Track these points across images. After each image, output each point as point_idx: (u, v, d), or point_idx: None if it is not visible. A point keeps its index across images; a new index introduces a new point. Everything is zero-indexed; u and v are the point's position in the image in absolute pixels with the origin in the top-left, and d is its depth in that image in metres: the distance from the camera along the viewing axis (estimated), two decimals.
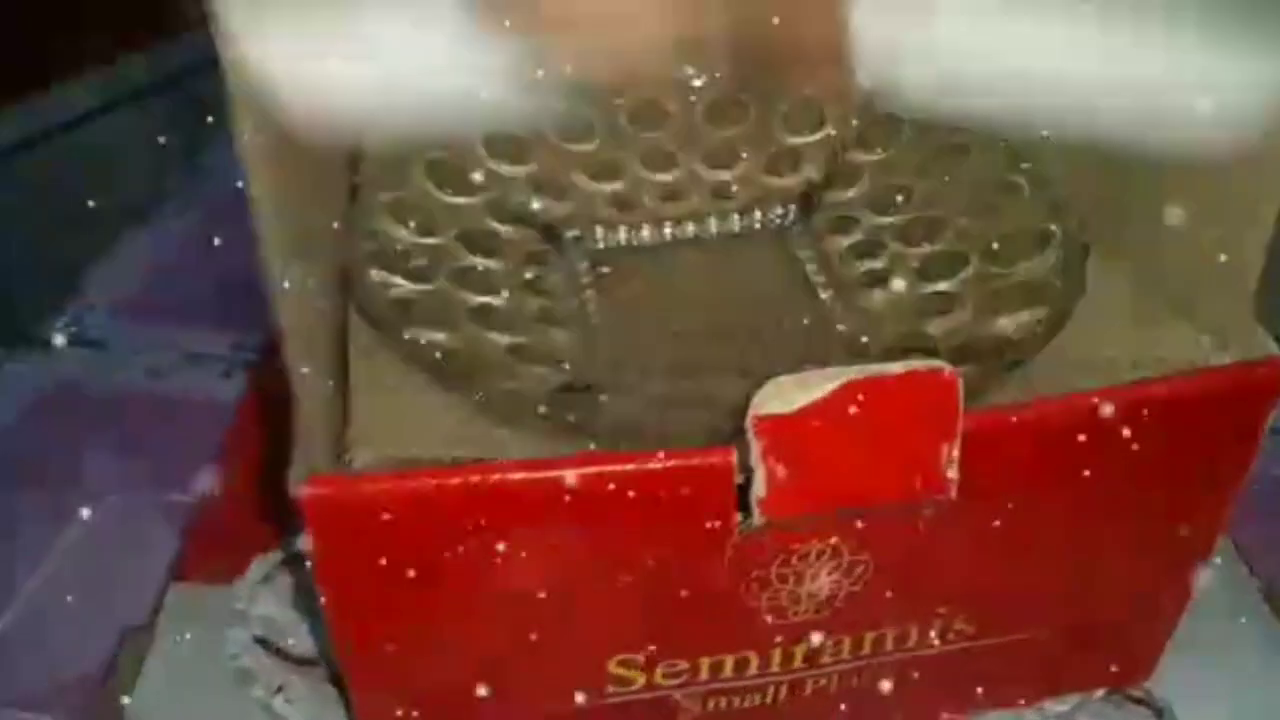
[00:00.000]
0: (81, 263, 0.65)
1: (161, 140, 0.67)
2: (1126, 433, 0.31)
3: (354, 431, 0.31)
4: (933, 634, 0.35)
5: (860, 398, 0.28)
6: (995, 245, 0.39)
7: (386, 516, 0.28)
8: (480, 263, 0.40)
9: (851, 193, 0.45)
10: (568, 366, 0.36)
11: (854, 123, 0.46)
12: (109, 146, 0.72)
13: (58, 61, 0.72)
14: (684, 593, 0.31)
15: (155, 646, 0.43)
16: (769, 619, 0.33)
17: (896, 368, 0.28)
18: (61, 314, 0.63)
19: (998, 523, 0.31)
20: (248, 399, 0.57)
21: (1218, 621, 0.41)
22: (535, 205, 0.44)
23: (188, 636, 0.43)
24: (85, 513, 0.49)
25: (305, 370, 0.32)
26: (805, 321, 0.40)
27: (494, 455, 0.30)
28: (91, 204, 0.60)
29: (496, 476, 0.29)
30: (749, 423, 0.28)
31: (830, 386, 0.27)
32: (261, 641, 0.43)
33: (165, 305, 0.63)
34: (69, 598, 0.48)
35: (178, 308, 0.62)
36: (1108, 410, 0.30)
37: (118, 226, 0.68)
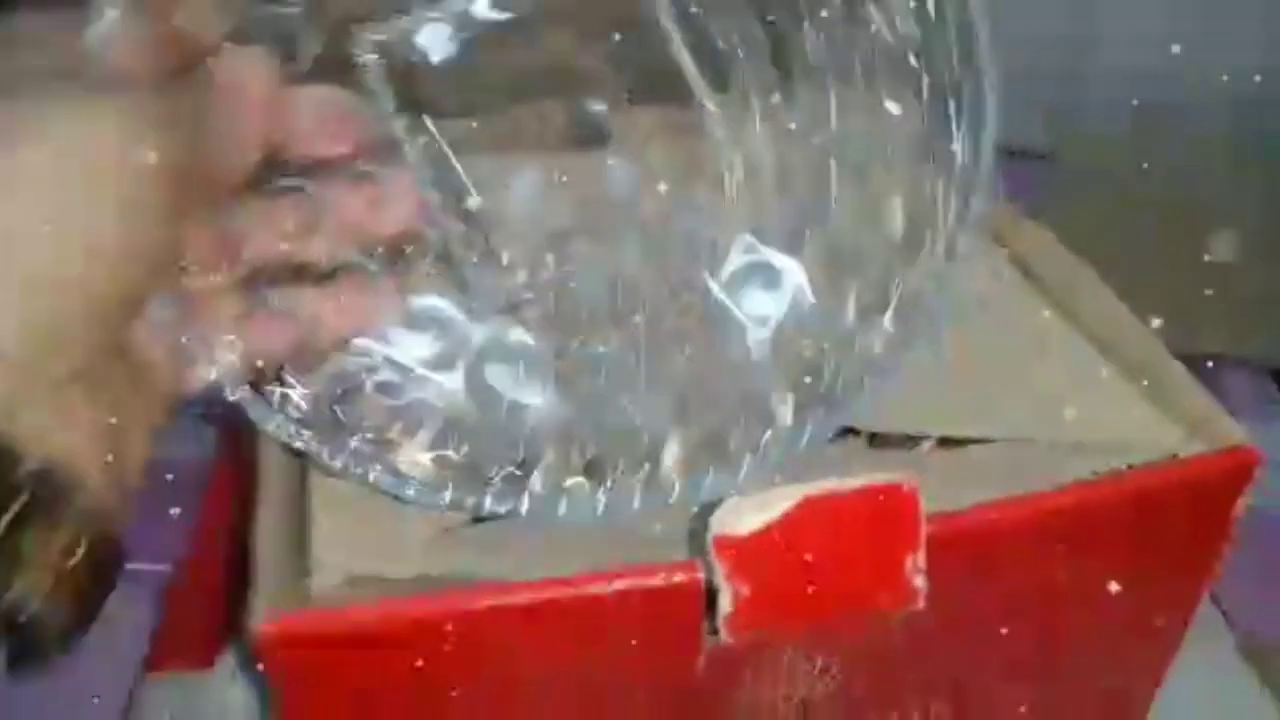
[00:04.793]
0: None
1: None
2: (1095, 527, 0.31)
3: (315, 550, 0.31)
4: None
5: (818, 514, 0.27)
6: None
7: (347, 650, 0.28)
8: None
9: None
10: None
11: None
12: None
13: None
14: (660, 701, 0.31)
15: None
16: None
17: (853, 483, 0.27)
18: None
19: (968, 621, 0.31)
20: (220, 460, 0.54)
21: (1197, 682, 0.40)
22: None
23: None
24: None
25: (268, 495, 0.32)
26: None
27: (463, 568, 0.30)
28: None
29: (463, 604, 0.28)
30: (709, 543, 0.27)
31: (786, 504, 0.27)
32: None
33: None
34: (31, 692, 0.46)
35: None
36: (1076, 507, 0.30)
37: None
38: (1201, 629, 0.36)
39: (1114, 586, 0.32)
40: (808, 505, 0.27)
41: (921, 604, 0.29)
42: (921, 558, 0.28)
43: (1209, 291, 0.55)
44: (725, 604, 0.28)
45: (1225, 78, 0.60)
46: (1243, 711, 0.41)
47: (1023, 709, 0.36)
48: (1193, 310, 0.50)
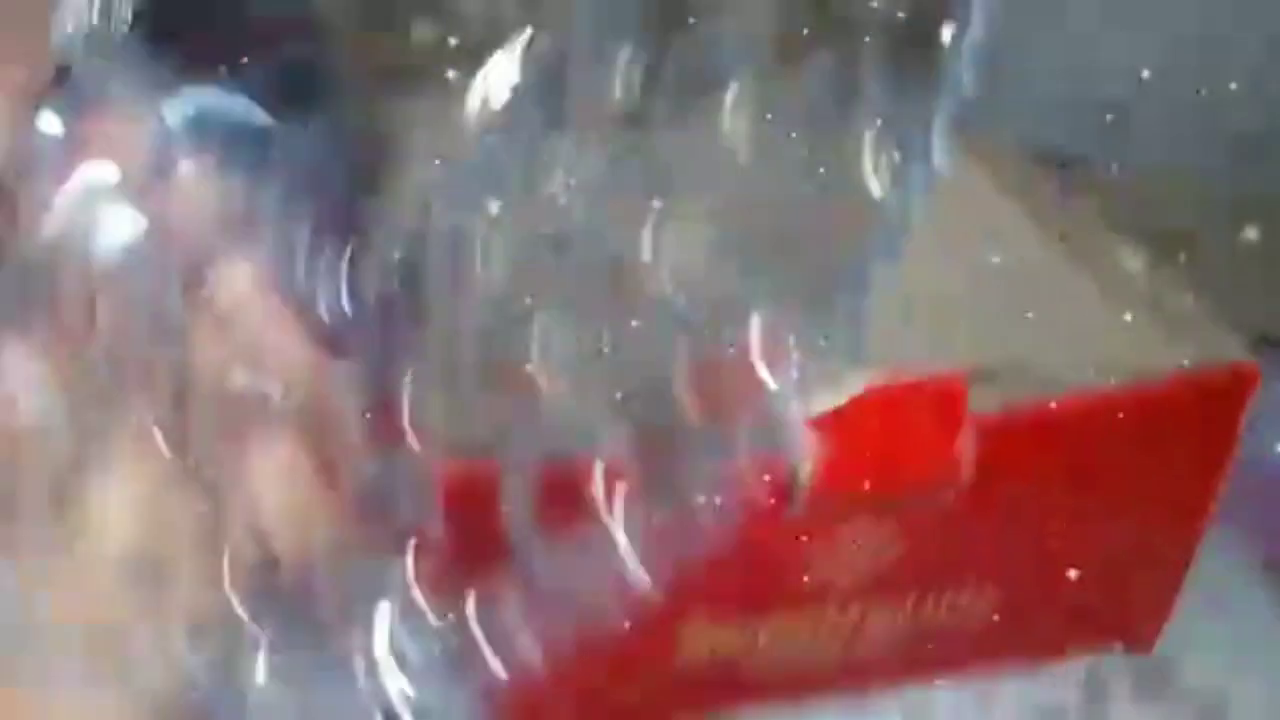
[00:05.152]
0: None
1: None
2: (1121, 429, 0.36)
3: None
4: (963, 598, 0.40)
5: (881, 400, 0.33)
6: None
7: None
8: None
9: None
10: None
11: None
12: None
13: None
14: (744, 565, 0.36)
15: None
16: (818, 587, 0.37)
17: (911, 377, 0.33)
18: None
19: (1010, 503, 0.37)
20: None
21: (1219, 589, 0.45)
22: None
23: None
24: None
25: None
26: None
27: None
28: None
29: None
30: None
31: (855, 389, 0.33)
32: None
33: None
34: None
35: None
36: (1103, 409, 0.36)
37: None
38: (1221, 544, 0.41)
39: (1141, 481, 0.37)
40: (873, 393, 0.33)
41: (967, 482, 0.34)
42: (968, 441, 0.34)
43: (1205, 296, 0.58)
44: (803, 477, 0.34)
45: (1224, 78, 0.63)
46: (1259, 623, 0.46)
47: (1062, 596, 0.41)
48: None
